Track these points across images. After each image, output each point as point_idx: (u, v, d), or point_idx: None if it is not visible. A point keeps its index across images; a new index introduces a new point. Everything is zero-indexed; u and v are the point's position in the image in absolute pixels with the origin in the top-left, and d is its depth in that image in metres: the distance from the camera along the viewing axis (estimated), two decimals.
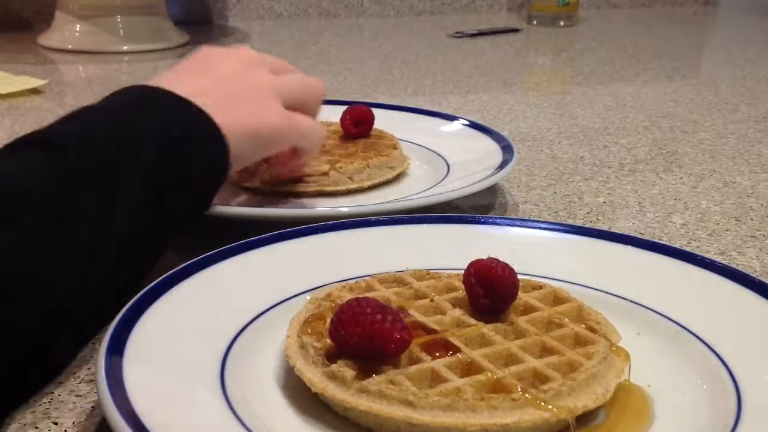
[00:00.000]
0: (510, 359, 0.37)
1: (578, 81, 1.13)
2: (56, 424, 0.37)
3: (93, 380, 0.40)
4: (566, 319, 0.40)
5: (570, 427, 0.35)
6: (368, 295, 0.41)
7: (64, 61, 1.15)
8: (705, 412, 0.36)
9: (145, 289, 0.40)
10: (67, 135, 0.41)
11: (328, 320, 0.38)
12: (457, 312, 0.41)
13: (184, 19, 1.39)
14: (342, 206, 0.58)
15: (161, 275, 0.42)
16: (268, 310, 0.42)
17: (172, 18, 1.29)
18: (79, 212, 0.38)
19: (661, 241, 0.53)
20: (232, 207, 0.57)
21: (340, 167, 0.63)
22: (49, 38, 1.22)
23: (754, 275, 0.44)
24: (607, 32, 1.50)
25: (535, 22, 1.53)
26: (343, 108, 0.73)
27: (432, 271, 0.45)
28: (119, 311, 0.38)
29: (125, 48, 1.19)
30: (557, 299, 0.43)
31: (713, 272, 0.45)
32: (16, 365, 0.36)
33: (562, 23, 1.52)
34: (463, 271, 0.41)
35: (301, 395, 0.37)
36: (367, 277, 0.44)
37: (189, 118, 0.46)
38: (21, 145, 0.40)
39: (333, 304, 0.40)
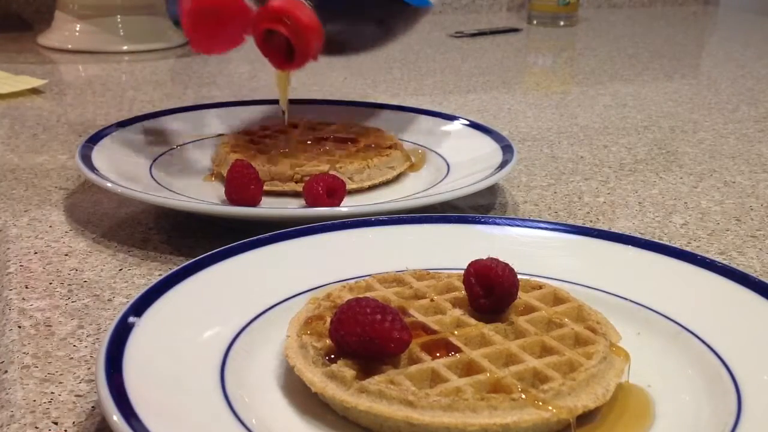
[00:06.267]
0: (510, 359, 0.37)
1: (578, 81, 1.13)
2: (56, 424, 0.37)
3: (93, 380, 0.40)
4: (566, 319, 0.40)
5: (570, 427, 0.35)
6: (368, 295, 0.41)
7: (64, 61, 1.15)
8: (705, 412, 0.36)
9: (145, 289, 0.40)
10: None
11: (328, 320, 0.38)
12: (457, 312, 0.41)
13: None
14: (342, 206, 0.58)
15: (161, 275, 0.42)
16: (268, 310, 0.42)
17: (172, 18, 1.29)
18: None
19: (661, 241, 0.53)
20: (232, 207, 0.58)
21: (340, 167, 0.63)
22: (49, 38, 1.22)
23: (754, 275, 0.44)
24: (607, 32, 1.50)
25: (535, 22, 1.52)
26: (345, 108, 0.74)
27: (432, 271, 0.45)
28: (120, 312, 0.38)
29: (125, 48, 1.19)
30: (557, 299, 0.43)
31: (713, 272, 0.45)
32: None
33: (562, 23, 1.52)
34: (463, 271, 0.41)
35: (301, 395, 0.37)
36: (367, 277, 0.44)
37: None
38: None
39: (333, 304, 0.40)
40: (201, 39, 0.60)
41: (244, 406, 0.35)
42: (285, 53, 0.59)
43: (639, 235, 0.53)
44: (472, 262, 0.41)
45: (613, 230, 0.57)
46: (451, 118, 0.75)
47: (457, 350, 0.37)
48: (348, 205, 0.59)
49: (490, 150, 0.67)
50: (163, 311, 0.40)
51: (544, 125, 0.88)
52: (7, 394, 0.39)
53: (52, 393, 0.39)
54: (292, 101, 0.82)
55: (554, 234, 0.50)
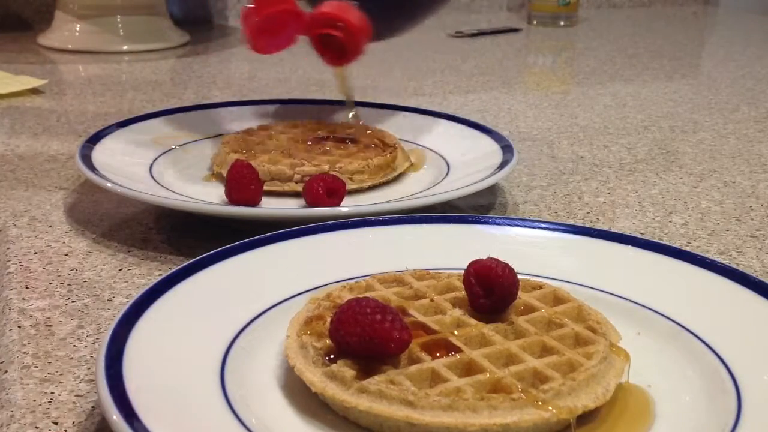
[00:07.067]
0: (510, 359, 0.37)
1: (578, 81, 1.13)
2: (56, 424, 0.37)
3: (93, 380, 0.40)
4: (566, 319, 0.40)
5: (570, 427, 0.35)
6: (368, 295, 0.41)
7: (64, 61, 1.15)
8: (705, 412, 0.36)
9: (145, 289, 0.40)
10: None
11: (328, 320, 0.38)
12: (457, 312, 0.41)
13: (184, 19, 1.39)
14: (342, 206, 0.58)
15: (161, 275, 0.42)
16: (268, 310, 0.42)
17: (172, 18, 1.29)
18: None
19: (661, 241, 0.53)
20: (232, 207, 0.58)
21: (340, 167, 0.63)
22: (49, 38, 1.22)
23: (754, 275, 0.44)
24: (607, 32, 1.50)
25: (535, 22, 1.52)
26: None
27: (432, 271, 0.45)
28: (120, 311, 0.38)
29: (125, 48, 1.19)
30: (557, 299, 0.43)
31: (713, 272, 0.45)
32: None
33: (562, 23, 1.52)
34: (463, 271, 0.41)
35: (301, 395, 0.37)
36: (367, 277, 0.44)
37: None
38: None
39: (333, 304, 0.40)
40: (261, 43, 0.66)
41: (244, 406, 0.35)
42: (337, 51, 0.67)
43: (639, 235, 0.53)
44: (472, 262, 0.41)
45: (613, 230, 0.57)
46: (451, 118, 0.75)
47: (457, 350, 0.37)
48: (348, 205, 0.59)
49: (490, 150, 0.67)
50: (164, 311, 0.40)
51: (544, 125, 0.88)
52: (7, 394, 0.39)
53: (52, 393, 0.39)
54: (290, 101, 0.82)
55: (554, 234, 0.50)
